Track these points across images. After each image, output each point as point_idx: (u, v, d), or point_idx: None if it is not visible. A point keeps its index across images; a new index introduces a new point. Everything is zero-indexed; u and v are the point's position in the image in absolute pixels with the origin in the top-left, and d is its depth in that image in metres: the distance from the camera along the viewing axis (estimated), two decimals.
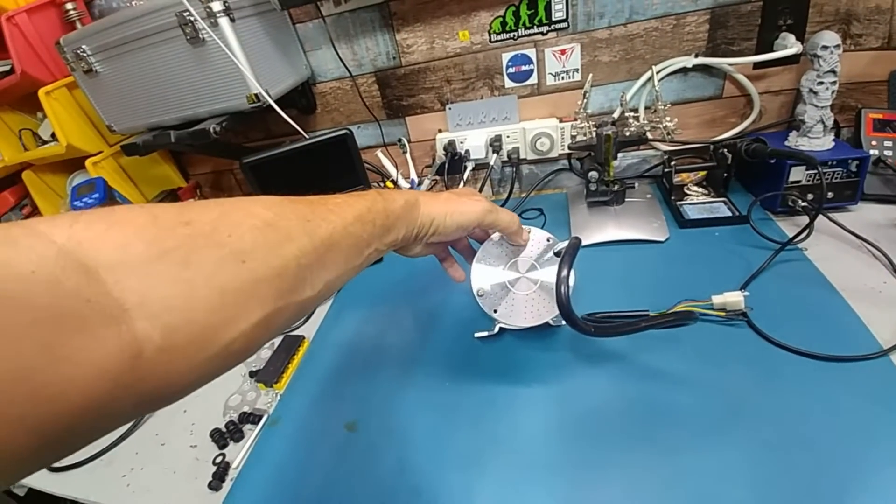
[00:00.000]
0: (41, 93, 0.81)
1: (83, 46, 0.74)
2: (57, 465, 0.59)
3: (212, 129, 0.72)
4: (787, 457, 0.42)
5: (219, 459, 0.54)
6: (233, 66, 0.68)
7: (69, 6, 0.82)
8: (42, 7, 0.82)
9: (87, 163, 0.88)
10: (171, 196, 0.88)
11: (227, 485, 0.51)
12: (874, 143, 0.75)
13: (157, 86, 0.75)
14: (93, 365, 0.19)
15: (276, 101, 0.74)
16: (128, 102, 0.79)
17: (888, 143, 0.74)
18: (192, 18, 0.66)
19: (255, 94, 0.71)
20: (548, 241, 0.54)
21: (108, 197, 0.75)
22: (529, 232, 0.54)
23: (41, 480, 0.59)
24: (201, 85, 0.72)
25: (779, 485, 0.40)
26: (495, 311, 0.54)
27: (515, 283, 0.54)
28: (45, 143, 0.91)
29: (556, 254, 0.52)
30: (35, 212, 1.02)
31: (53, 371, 0.18)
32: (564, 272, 0.42)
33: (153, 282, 0.22)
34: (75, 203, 0.73)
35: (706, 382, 0.49)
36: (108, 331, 0.19)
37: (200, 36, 0.68)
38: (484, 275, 0.55)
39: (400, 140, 0.94)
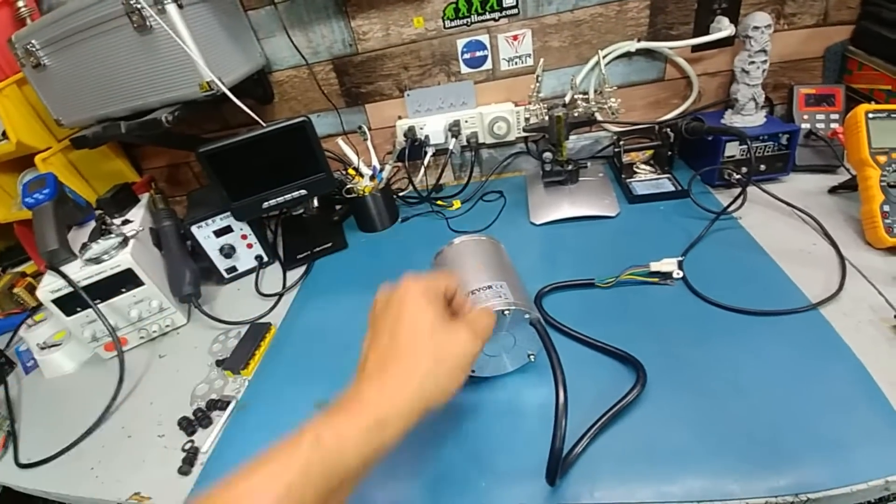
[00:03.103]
0: None
1: (32, 41, 0.72)
2: (25, 461, 0.59)
3: (164, 119, 0.70)
4: (722, 402, 0.46)
5: (188, 446, 0.55)
6: (183, 53, 0.67)
7: (20, 3, 0.80)
8: None
9: (37, 159, 0.85)
10: (126, 190, 0.86)
11: (196, 469, 0.52)
12: (806, 117, 0.80)
13: (105, 76, 0.73)
14: None
15: (231, 91, 0.73)
16: (76, 95, 0.77)
17: (820, 117, 0.80)
18: (138, 6, 0.65)
19: (208, 82, 0.70)
20: (504, 313, 0.46)
21: (59, 192, 0.73)
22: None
23: (12, 477, 0.59)
24: (151, 74, 0.71)
25: (716, 427, 0.44)
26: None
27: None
28: None
29: (531, 323, 0.47)
30: None
31: None
32: (563, 429, 0.39)
33: None
34: (26, 200, 0.71)
35: (649, 338, 0.53)
36: None
37: (148, 24, 0.66)
38: None
39: (360, 127, 0.95)
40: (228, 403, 0.59)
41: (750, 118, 0.76)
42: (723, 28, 0.79)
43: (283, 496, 0.27)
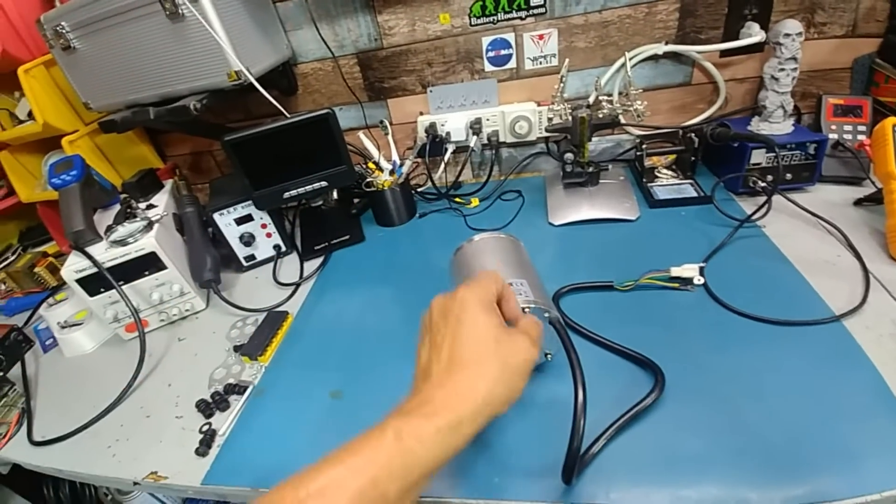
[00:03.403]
0: (20, 71, 0.80)
1: (62, 23, 0.73)
2: (40, 438, 0.60)
3: (192, 106, 0.71)
4: (741, 410, 0.45)
5: (205, 428, 0.56)
6: (213, 42, 0.68)
7: None
8: None
9: (63, 141, 0.86)
10: (151, 175, 0.88)
11: (213, 451, 0.53)
12: (833, 127, 0.79)
13: (135, 62, 0.74)
14: None
15: (257, 81, 0.74)
16: (105, 79, 0.78)
17: (847, 128, 0.78)
18: None
19: (237, 72, 0.71)
20: (525, 311, 0.46)
21: (86, 175, 0.75)
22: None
23: (25, 455, 0.60)
24: (181, 61, 0.72)
25: (733, 435, 0.43)
26: None
27: None
28: (21, 122, 0.89)
29: (551, 322, 0.47)
30: (10, 193, 1.00)
31: None
32: (581, 428, 0.39)
33: None
34: (53, 180, 0.72)
35: (668, 343, 0.53)
36: None
37: (180, 11, 0.67)
38: None
39: (382, 122, 0.95)
40: (246, 388, 0.60)
41: (777, 126, 0.75)
42: (753, 34, 0.78)
43: (368, 488, 0.28)
